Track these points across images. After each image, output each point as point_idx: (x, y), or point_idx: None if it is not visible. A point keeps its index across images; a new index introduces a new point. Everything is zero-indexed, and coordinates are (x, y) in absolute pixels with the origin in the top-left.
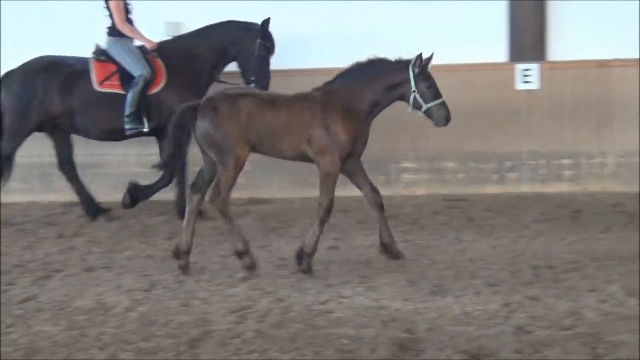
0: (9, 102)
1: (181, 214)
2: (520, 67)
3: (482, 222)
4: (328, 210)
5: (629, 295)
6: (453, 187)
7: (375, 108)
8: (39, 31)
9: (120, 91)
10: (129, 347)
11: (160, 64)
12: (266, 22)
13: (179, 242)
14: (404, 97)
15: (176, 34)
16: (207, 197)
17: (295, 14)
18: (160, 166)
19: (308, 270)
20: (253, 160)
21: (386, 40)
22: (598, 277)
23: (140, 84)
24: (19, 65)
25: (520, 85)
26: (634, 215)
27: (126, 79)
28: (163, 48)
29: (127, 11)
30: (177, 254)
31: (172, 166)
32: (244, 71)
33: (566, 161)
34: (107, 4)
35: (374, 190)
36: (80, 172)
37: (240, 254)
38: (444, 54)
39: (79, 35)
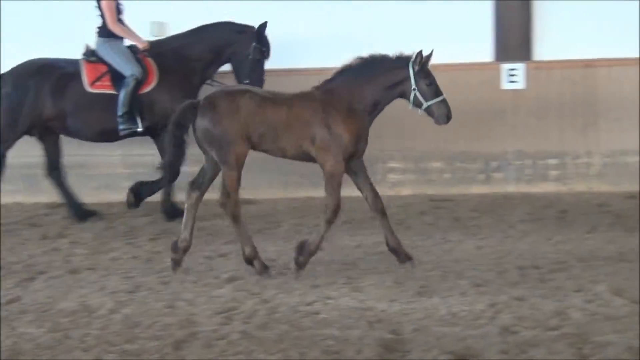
0: (1, 105)
1: (166, 214)
2: (506, 66)
3: (468, 222)
4: (335, 212)
5: (615, 296)
6: (439, 187)
7: (377, 107)
8: (39, 31)
9: (112, 91)
10: (113, 349)
11: (151, 63)
12: (263, 26)
13: (177, 240)
14: (404, 95)
15: (160, 34)
16: (218, 202)
17: (285, 14)
18: (163, 167)
19: (302, 266)
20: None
21: (370, 40)
22: (584, 277)
23: (132, 84)
24: (10, 68)
25: (506, 85)
26: (619, 215)
27: (117, 79)
28: (156, 47)
29: (118, 11)
30: (175, 248)
31: (175, 166)
32: (237, 74)
33: (552, 161)
34: (99, 3)
35: (375, 195)
36: (65, 173)
37: (249, 260)
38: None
39: (79, 35)
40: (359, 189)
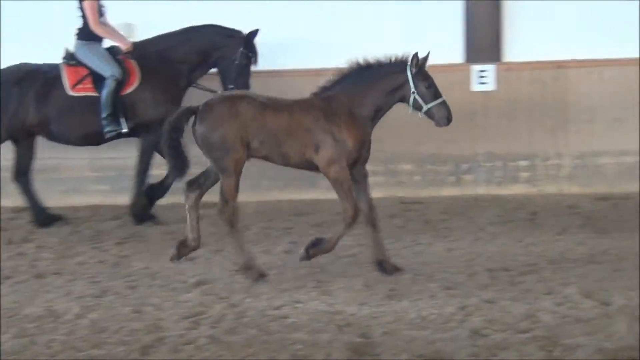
0: None
1: (135, 217)
2: (476, 68)
3: (438, 224)
4: (354, 216)
5: (585, 298)
6: (409, 190)
7: (379, 113)
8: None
9: (94, 94)
10: (79, 354)
11: (133, 64)
12: (253, 33)
13: (187, 239)
14: (404, 99)
15: (128, 35)
16: (216, 208)
17: (267, 15)
18: (175, 171)
19: (309, 258)
20: (206, 162)
21: (341, 41)
22: (554, 279)
23: (112, 85)
24: None
25: (476, 87)
26: (590, 217)
27: (99, 81)
28: (140, 48)
29: (100, 13)
30: (181, 245)
31: (181, 167)
32: (223, 78)
33: (522, 163)
34: (80, 4)
35: (371, 207)
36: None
37: (243, 269)
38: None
39: None
40: (356, 197)
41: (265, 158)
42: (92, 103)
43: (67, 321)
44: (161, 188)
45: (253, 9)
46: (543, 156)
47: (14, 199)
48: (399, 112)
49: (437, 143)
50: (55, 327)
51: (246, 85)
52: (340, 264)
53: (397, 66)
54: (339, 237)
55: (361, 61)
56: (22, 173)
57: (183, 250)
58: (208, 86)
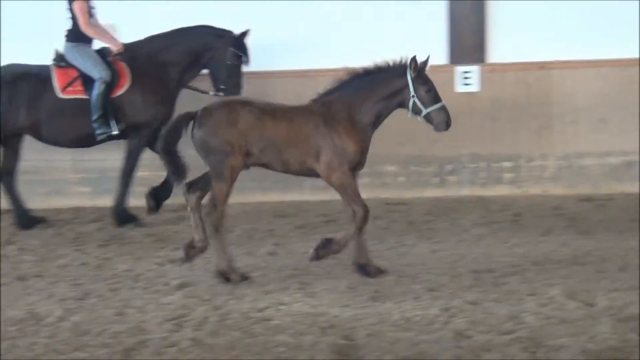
0: None
1: (117, 220)
2: (460, 69)
3: (422, 226)
4: (364, 218)
5: (569, 299)
6: (393, 191)
7: (379, 118)
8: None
9: (84, 96)
10: (61, 357)
11: (123, 66)
12: (244, 33)
13: (193, 240)
14: (403, 104)
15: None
16: (204, 210)
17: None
18: (173, 176)
19: (316, 259)
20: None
21: (324, 42)
22: (538, 280)
23: (101, 87)
24: None
25: (460, 88)
26: (574, 218)
27: (89, 83)
28: (131, 50)
29: (90, 14)
30: (189, 247)
31: (178, 173)
32: (214, 79)
33: (506, 164)
34: (70, 5)
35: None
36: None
37: (223, 275)
38: (382, 56)
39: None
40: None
41: (266, 166)
42: (82, 105)
43: (49, 324)
44: (165, 189)
45: (253, 9)
46: (527, 157)
47: None
48: None
49: (421, 144)
50: (37, 330)
51: (238, 86)
52: (324, 265)
53: (396, 70)
54: (349, 239)
55: (360, 69)
56: (7, 173)
57: (191, 252)
58: (201, 88)
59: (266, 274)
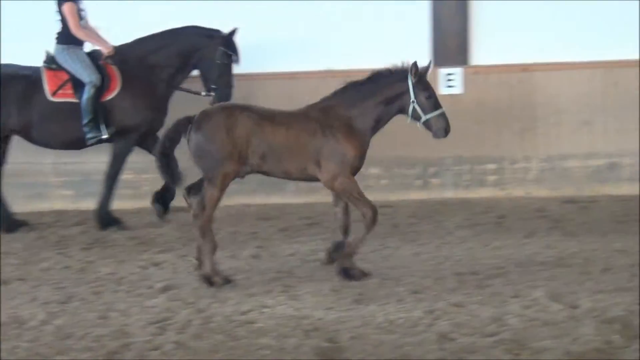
0: None
1: (100, 223)
2: (443, 71)
3: (406, 228)
4: (373, 219)
5: (552, 301)
6: (377, 193)
7: (379, 123)
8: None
9: (74, 100)
10: None
11: (114, 70)
12: (232, 32)
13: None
14: (403, 109)
15: None
16: (192, 212)
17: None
18: (170, 182)
19: (330, 263)
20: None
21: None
22: (522, 282)
23: (91, 91)
24: None
25: (443, 90)
26: (558, 220)
27: (79, 86)
28: (121, 53)
29: (80, 17)
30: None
31: (173, 181)
32: (205, 79)
33: (490, 166)
34: (59, 8)
35: (347, 212)
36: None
37: (207, 278)
38: (364, 59)
39: None
40: (334, 201)
41: (266, 173)
42: (72, 109)
43: (32, 327)
44: (168, 191)
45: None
46: (510, 159)
47: None
48: None
49: (405, 147)
50: (20, 333)
51: (229, 85)
52: (308, 268)
53: (397, 75)
54: (361, 240)
55: (360, 79)
56: None
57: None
58: (193, 89)
59: (250, 276)
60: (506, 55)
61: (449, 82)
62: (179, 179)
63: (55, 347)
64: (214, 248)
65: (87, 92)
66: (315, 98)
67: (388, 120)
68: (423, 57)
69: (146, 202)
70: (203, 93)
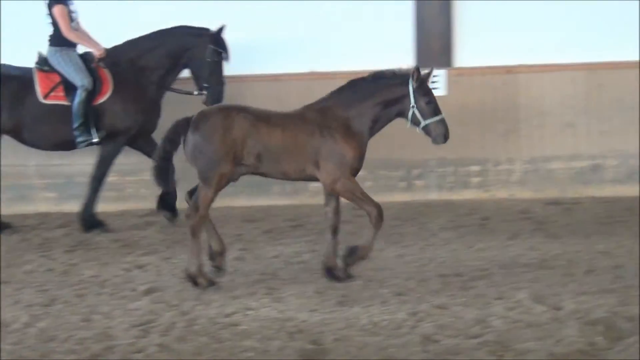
0: None
1: (84, 225)
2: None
3: (390, 230)
4: (379, 217)
5: (536, 302)
6: None
7: (376, 124)
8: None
9: (66, 103)
10: None
11: (106, 73)
12: (220, 29)
13: (210, 247)
14: (402, 113)
15: None
16: (185, 212)
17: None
18: (163, 187)
19: (346, 267)
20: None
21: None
22: (505, 284)
23: (83, 95)
24: None
25: None
26: (541, 221)
27: (71, 89)
28: (112, 55)
29: (70, 19)
30: (212, 256)
31: (166, 180)
32: (196, 78)
33: (474, 168)
34: (50, 11)
35: (336, 212)
36: None
37: (192, 278)
38: (348, 60)
39: None
40: (325, 201)
41: (263, 175)
42: (63, 112)
43: (15, 330)
44: (170, 194)
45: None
46: (494, 161)
47: None
48: None
49: (389, 148)
50: (3, 336)
51: (220, 83)
52: (292, 270)
53: (398, 79)
54: (372, 242)
55: (359, 78)
56: None
57: (215, 263)
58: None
59: (234, 279)
60: (490, 57)
61: (433, 84)
62: (172, 185)
63: (38, 349)
64: (201, 249)
65: (79, 96)
66: (303, 100)
67: (386, 122)
68: (406, 58)
69: (130, 205)
70: (195, 92)
